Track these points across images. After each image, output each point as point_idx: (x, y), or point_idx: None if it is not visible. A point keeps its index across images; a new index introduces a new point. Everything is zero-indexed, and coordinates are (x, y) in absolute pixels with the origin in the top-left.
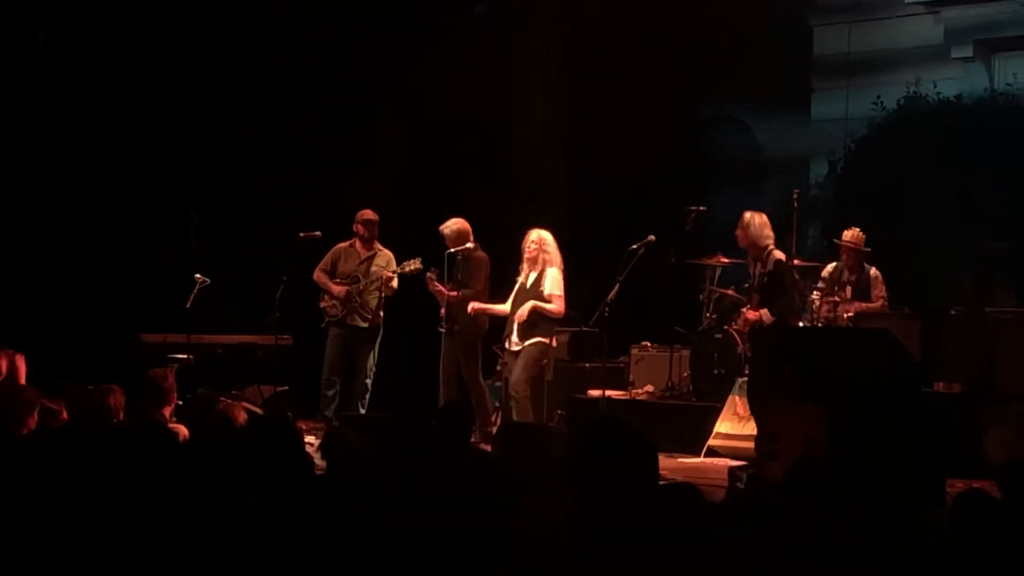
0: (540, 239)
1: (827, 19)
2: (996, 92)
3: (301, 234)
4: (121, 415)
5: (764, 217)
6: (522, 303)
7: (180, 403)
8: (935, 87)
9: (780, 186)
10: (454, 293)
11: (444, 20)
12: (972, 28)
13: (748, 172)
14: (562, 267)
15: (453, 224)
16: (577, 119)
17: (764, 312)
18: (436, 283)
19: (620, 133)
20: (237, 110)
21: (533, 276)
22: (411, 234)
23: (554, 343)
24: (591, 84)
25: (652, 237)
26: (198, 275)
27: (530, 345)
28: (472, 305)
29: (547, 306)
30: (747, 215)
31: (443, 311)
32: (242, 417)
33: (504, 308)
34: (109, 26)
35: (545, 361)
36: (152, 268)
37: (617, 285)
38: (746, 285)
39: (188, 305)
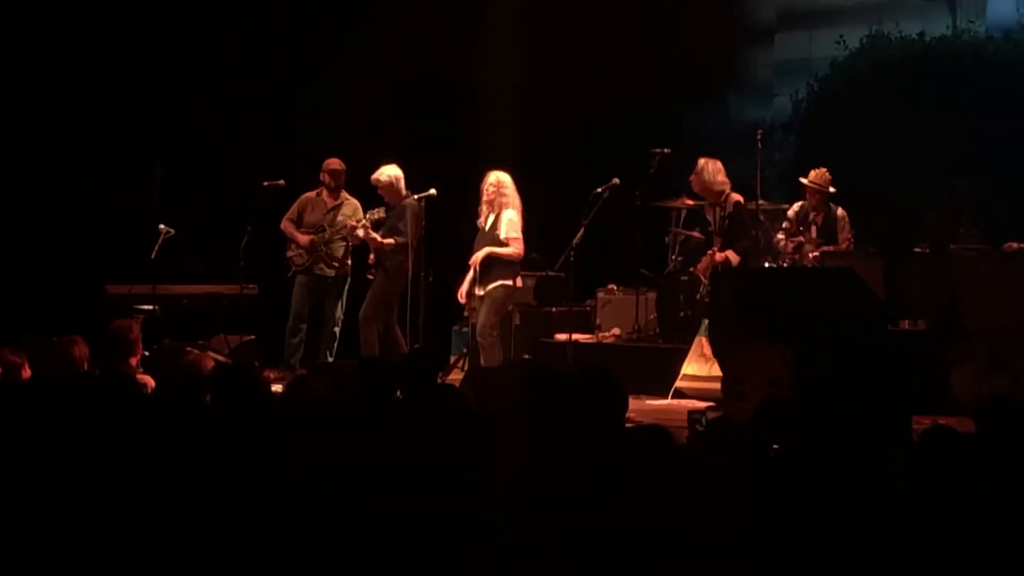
0: (498, 181)
1: None
2: (959, 30)
3: (265, 183)
4: (85, 366)
5: (718, 163)
6: (481, 246)
7: (146, 354)
8: (898, 26)
9: (744, 127)
10: (389, 241)
11: None
12: None
13: (711, 113)
14: (520, 209)
15: (383, 176)
16: (543, 62)
17: (730, 253)
18: (370, 231)
19: (584, 75)
20: (200, 60)
21: (491, 219)
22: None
23: (519, 283)
24: (558, 26)
25: (616, 180)
26: (162, 226)
27: (494, 288)
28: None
29: (502, 250)
30: (701, 161)
31: (372, 258)
32: (210, 367)
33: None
34: None
35: (511, 304)
36: (116, 219)
37: (582, 229)
38: (709, 229)
39: (153, 256)
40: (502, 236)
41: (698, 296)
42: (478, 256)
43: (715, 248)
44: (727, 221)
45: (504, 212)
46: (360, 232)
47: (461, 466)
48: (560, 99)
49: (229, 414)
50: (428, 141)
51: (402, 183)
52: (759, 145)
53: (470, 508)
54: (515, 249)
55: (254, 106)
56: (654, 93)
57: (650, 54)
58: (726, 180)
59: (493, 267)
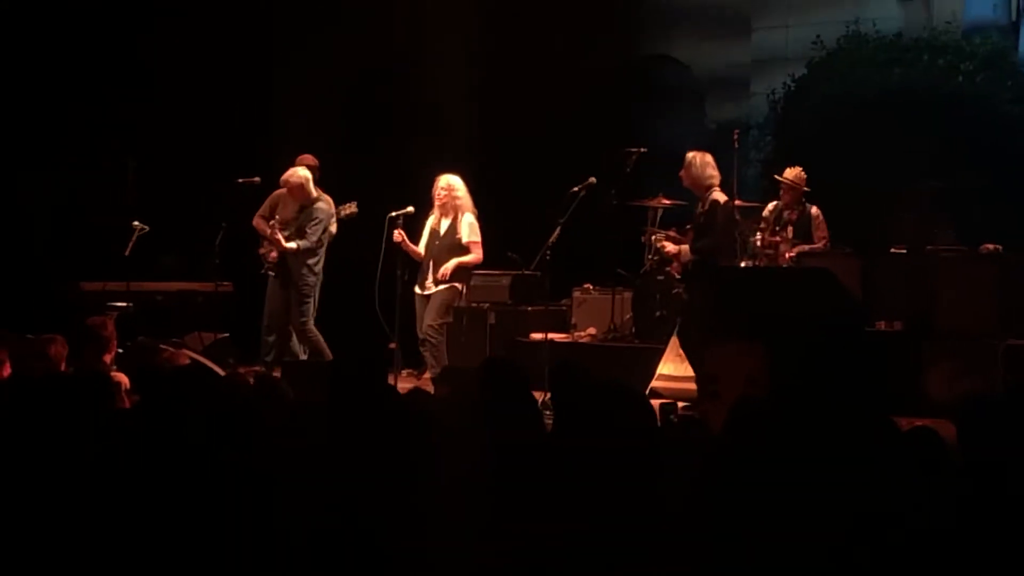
0: (449, 185)
1: None
2: (935, 31)
3: (240, 180)
4: (63, 365)
5: (708, 156)
6: (435, 248)
7: (120, 351)
8: (874, 25)
9: (720, 126)
10: (291, 245)
11: None
12: None
13: (688, 112)
14: (475, 211)
15: (293, 177)
16: (514, 64)
17: (684, 248)
18: (276, 231)
19: (558, 75)
20: (173, 57)
21: (446, 223)
22: (350, 179)
23: (464, 289)
24: (528, 25)
25: (593, 179)
26: (136, 222)
27: (443, 290)
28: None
29: (467, 258)
30: (689, 155)
31: (274, 255)
32: (186, 365)
33: (418, 249)
34: None
35: (456, 303)
36: (90, 215)
37: (558, 228)
38: (687, 227)
39: (127, 252)
40: (464, 240)
41: (674, 292)
42: (447, 268)
43: (660, 236)
44: (702, 218)
45: (463, 216)
46: (268, 231)
47: (424, 468)
48: (531, 98)
49: (202, 414)
50: (393, 141)
51: (311, 184)
52: (735, 145)
53: (426, 509)
54: (476, 255)
55: (229, 102)
56: (627, 91)
57: (625, 51)
58: (715, 174)
59: (453, 272)
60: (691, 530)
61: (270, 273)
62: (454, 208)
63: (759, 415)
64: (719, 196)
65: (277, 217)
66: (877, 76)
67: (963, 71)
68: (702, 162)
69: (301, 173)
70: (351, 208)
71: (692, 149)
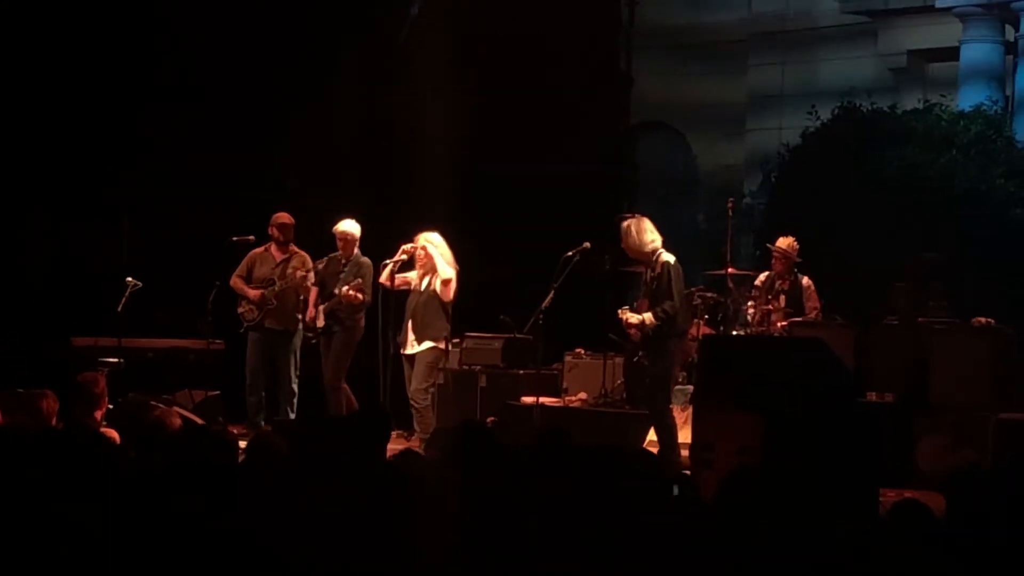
0: (428, 241)
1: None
2: (929, 103)
3: (234, 238)
4: (53, 421)
5: (644, 222)
6: (415, 305)
7: (111, 407)
8: (869, 97)
9: (714, 194)
10: (361, 295)
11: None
12: (905, 40)
13: (682, 180)
14: (456, 266)
15: (353, 229)
16: (512, 128)
17: (647, 315)
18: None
19: (555, 141)
20: (168, 114)
21: (426, 280)
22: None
23: (447, 347)
24: (525, 92)
25: (587, 244)
26: (130, 279)
27: (424, 351)
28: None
29: (444, 290)
30: (623, 224)
31: (310, 315)
32: (177, 424)
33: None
34: (41, 24)
35: (442, 365)
36: (83, 271)
37: (552, 292)
38: (641, 294)
39: (119, 309)
40: (441, 278)
41: (635, 360)
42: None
43: (624, 308)
44: (655, 283)
45: (439, 267)
46: (310, 283)
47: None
48: (527, 163)
49: (197, 474)
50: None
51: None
52: (730, 214)
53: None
54: (448, 277)
55: (223, 161)
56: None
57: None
58: (656, 237)
59: (427, 326)
60: None
61: (251, 332)
62: (432, 265)
63: (750, 488)
64: (668, 258)
65: (255, 275)
66: (871, 148)
67: (957, 145)
68: (638, 228)
69: (356, 226)
70: (323, 264)
71: (626, 218)
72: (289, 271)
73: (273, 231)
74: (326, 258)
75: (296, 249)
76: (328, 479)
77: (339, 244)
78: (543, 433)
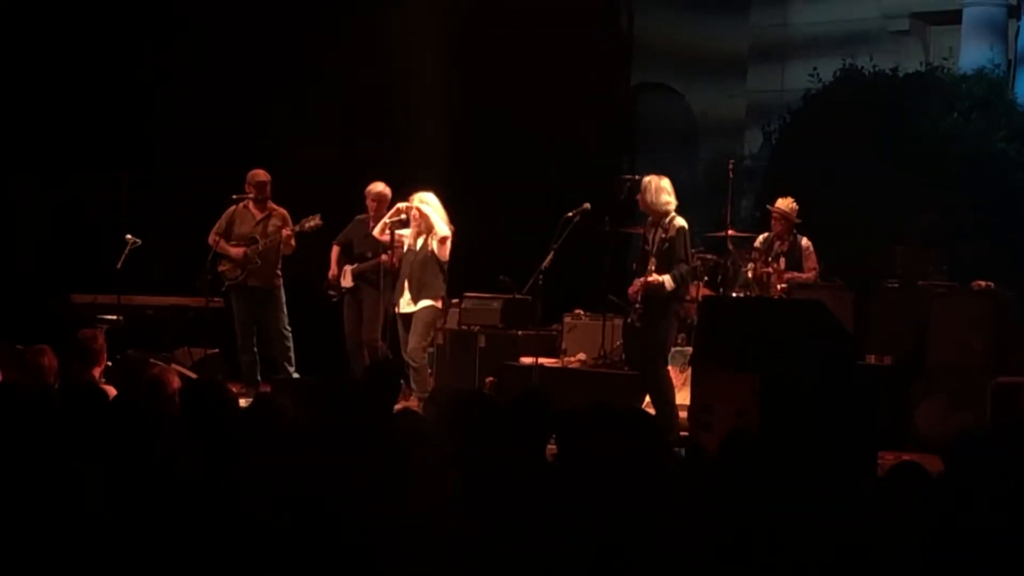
0: (422, 200)
1: None
2: (931, 66)
3: (234, 196)
4: (52, 378)
5: (664, 181)
6: (411, 264)
7: (109, 364)
8: (871, 60)
9: (714, 156)
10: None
11: None
12: (909, 2)
13: (682, 141)
14: (451, 226)
15: (385, 190)
16: (513, 88)
17: (666, 277)
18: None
19: (555, 101)
20: (170, 71)
21: (421, 239)
22: (348, 194)
23: (440, 305)
24: (526, 52)
25: (587, 205)
26: (129, 236)
27: (421, 310)
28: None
29: (441, 249)
30: (646, 179)
31: (332, 274)
32: (175, 383)
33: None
34: None
35: (440, 324)
36: (82, 228)
37: (552, 253)
38: (646, 248)
39: (119, 266)
40: (438, 236)
41: (628, 320)
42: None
43: (650, 269)
44: (667, 244)
45: (436, 225)
46: (293, 242)
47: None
48: (528, 123)
49: (199, 429)
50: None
51: None
52: (731, 175)
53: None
54: (444, 233)
55: (223, 118)
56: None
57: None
58: (672, 200)
59: (425, 285)
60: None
61: (233, 291)
62: (428, 224)
63: (749, 451)
64: (682, 222)
65: (235, 233)
66: (872, 111)
67: (958, 108)
68: (657, 186)
69: (388, 190)
70: (315, 221)
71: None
72: (271, 229)
73: (249, 189)
74: (356, 219)
75: (275, 206)
76: (335, 441)
77: (371, 206)
78: (521, 395)
